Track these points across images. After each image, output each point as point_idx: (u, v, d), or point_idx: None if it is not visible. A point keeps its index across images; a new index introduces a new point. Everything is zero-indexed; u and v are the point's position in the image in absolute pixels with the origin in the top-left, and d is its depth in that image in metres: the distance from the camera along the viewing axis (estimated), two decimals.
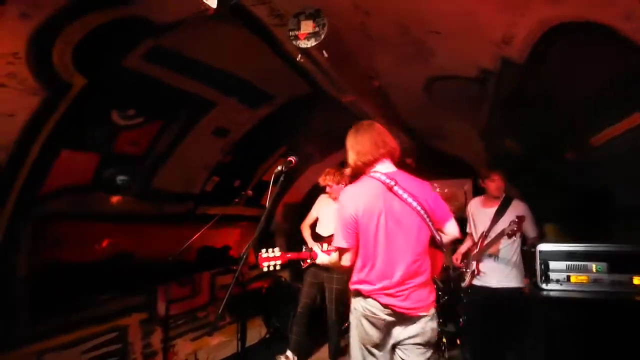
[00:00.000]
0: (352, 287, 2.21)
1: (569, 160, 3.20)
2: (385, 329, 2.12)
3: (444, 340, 4.29)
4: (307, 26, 2.42)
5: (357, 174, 2.26)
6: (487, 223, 3.37)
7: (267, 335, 5.03)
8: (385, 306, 2.08)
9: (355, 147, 2.23)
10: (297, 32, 2.46)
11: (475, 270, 3.36)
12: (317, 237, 4.04)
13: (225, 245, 4.99)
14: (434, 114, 4.80)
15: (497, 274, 3.23)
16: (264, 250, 3.38)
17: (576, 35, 2.01)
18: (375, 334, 2.12)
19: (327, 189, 4.00)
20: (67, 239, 3.17)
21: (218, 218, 3.79)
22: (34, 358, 2.92)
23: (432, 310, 2.17)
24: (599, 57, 2.05)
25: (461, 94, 3.79)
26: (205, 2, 1.97)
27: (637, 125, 2.15)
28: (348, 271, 2.26)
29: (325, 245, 3.70)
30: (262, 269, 3.36)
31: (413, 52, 3.15)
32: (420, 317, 2.10)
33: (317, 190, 6.60)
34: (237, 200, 3.89)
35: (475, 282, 3.40)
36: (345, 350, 3.94)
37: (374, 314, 2.10)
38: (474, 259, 3.42)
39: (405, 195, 2.13)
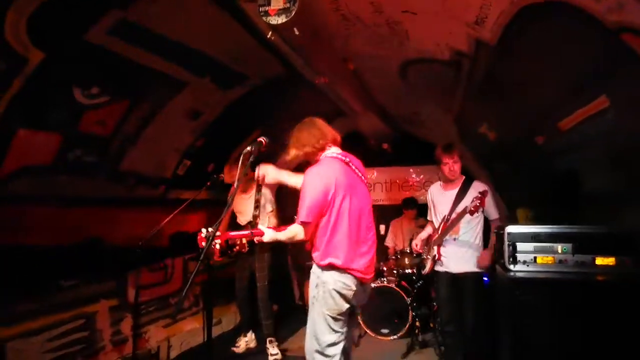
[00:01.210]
0: (324, 261, 2.31)
1: (539, 145, 3.23)
2: (352, 299, 2.32)
3: (417, 323, 4.36)
4: (277, 2, 2.34)
5: (307, 159, 2.54)
6: (449, 206, 3.27)
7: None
8: (357, 279, 2.30)
9: (307, 137, 2.48)
10: (267, 8, 2.39)
11: (437, 255, 3.28)
12: (237, 227, 4.27)
13: (198, 230, 4.91)
14: (410, 100, 4.79)
15: (457, 258, 3.20)
16: (203, 230, 3.36)
17: (546, 16, 2.00)
18: (344, 305, 2.30)
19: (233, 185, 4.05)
20: (29, 222, 3.05)
21: (190, 202, 3.73)
22: None
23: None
24: (568, 38, 2.04)
25: (436, 78, 3.78)
26: None
27: (604, 109, 2.18)
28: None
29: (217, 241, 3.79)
30: (200, 248, 3.37)
31: (388, 34, 3.11)
32: (370, 281, 2.48)
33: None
34: (209, 183, 3.81)
35: (437, 267, 3.34)
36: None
37: (348, 286, 2.28)
38: (434, 243, 3.33)
39: (357, 171, 2.47)
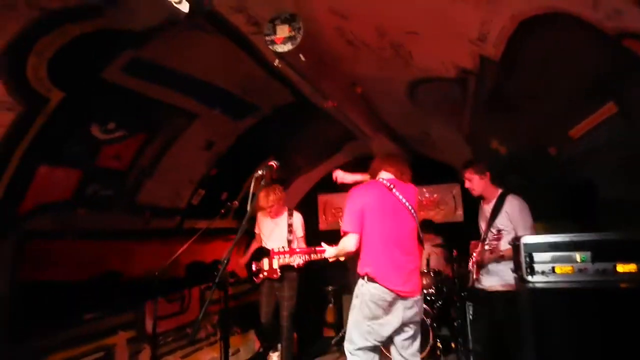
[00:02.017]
0: (361, 271, 2.62)
1: (552, 156, 3.21)
2: (389, 309, 2.54)
3: (439, 344, 4.24)
4: (282, 30, 2.44)
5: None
6: (485, 223, 3.24)
7: (261, 349, 4.94)
8: (393, 292, 2.52)
9: (374, 165, 2.97)
10: (273, 37, 2.48)
11: (474, 274, 3.23)
12: (265, 253, 4.15)
13: (215, 260, 4.92)
14: (419, 120, 4.83)
15: (485, 275, 3.19)
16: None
17: (546, 28, 2.03)
18: (380, 313, 2.54)
19: (268, 208, 4.10)
20: (50, 258, 3.10)
21: (204, 231, 3.78)
22: None
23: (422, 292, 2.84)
24: (569, 48, 2.07)
25: (444, 97, 3.81)
26: (176, 6, 1.97)
27: (612, 115, 2.17)
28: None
29: (282, 257, 3.87)
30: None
31: (392, 55, 3.18)
32: (415, 298, 2.64)
33: (309, 200, 6.67)
34: (223, 211, 3.86)
35: (476, 284, 3.29)
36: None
37: (381, 297, 2.51)
38: (474, 263, 3.28)
39: (400, 197, 2.73)
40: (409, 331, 2.66)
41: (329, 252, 2.89)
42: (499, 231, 3.02)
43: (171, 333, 4.14)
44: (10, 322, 2.83)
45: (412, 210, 2.76)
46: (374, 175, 2.92)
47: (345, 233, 2.65)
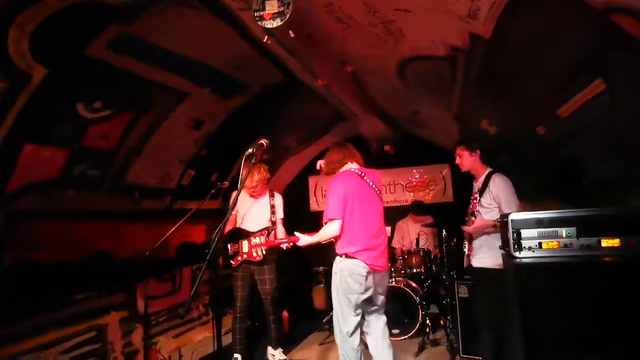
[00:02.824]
0: (341, 251, 2.92)
1: (541, 135, 3.24)
2: (365, 282, 2.85)
3: (428, 322, 4.33)
4: (271, 6, 2.39)
5: (331, 172, 3.21)
6: (474, 200, 3.33)
7: (253, 329, 4.99)
8: (368, 266, 2.85)
9: (335, 157, 3.20)
10: (262, 13, 2.43)
11: (466, 251, 3.34)
12: (242, 234, 3.98)
13: (205, 241, 4.93)
14: (409, 99, 4.82)
15: (478, 251, 3.24)
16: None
17: (536, 4, 2.02)
18: (357, 287, 2.84)
19: (252, 188, 3.97)
20: (38, 237, 3.08)
21: (194, 212, 3.77)
22: None
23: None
24: (558, 25, 2.06)
25: (434, 76, 3.80)
26: None
27: (601, 92, 2.19)
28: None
29: (260, 238, 3.87)
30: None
31: (383, 33, 3.15)
32: (384, 273, 3.06)
33: (299, 182, 6.67)
34: (212, 191, 3.84)
35: (471, 262, 3.34)
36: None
37: (358, 271, 2.83)
38: (466, 239, 3.40)
39: (371, 183, 3.10)
40: (377, 301, 3.04)
41: (303, 240, 3.11)
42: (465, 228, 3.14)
43: (163, 313, 4.15)
44: (0, 302, 2.82)
45: (380, 195, 3.15)
46: (337, 168, 3.15)
47: (331, 220, 2.90)
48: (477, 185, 3.34)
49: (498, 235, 3.08)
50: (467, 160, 3.37)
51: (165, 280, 4.29)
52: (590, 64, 2.15)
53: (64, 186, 3.15)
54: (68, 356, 3.22)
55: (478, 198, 3.26)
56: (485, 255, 3.17)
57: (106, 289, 3.64)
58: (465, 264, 3.48)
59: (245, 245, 3.93)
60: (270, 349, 4.07)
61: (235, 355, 3.91)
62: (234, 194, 2.36)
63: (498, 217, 3.01)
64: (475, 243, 3.29)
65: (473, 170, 3.40)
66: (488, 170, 3.32)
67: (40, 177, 2.96)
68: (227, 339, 4.61)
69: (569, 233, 2.04)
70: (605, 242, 1.98)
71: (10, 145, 2.65)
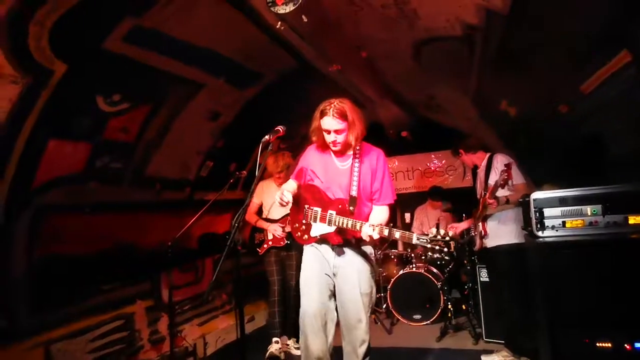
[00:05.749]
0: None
1: (563, 114, 3.15)
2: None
3: (450, 307, 4.31)
4: None
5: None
6: (482, 183, 3.44)
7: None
8: None
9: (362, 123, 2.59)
10: None
11: (482, 232, 3.34)
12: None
13: (227, 231, 4.99)
14: (425, 83, 4.75)
15: (492, 233, 3.29)
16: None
17: None
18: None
19: (277, 174, 3.96)
20: (65, 230, 3.17)
21: (214, 202, 3.80)
22: (41, 348, 2.95)
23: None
24: None
25: (450, 57, 3.73)
26: None
27: (626, 64, 2.10)
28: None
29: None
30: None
31: (397, 15, 3.10)
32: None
33: None
34: (232, 181, 3.86)
35: (486, 242, 3.37)
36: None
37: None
38: (477, 220, 3.42)
39: None
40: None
41: (366, 231, 2.33)
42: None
43: (187, 302, 4.24)
44: (30, 293, 2.92)
45: None
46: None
47: (391, 203, 2.51)
48: (482, 171, 3.50)
49: (513, 215, 3.10)
50: (469, 158, 3.66)
51: (188, 270, 4.37)
52: (614, 35, 2.07)
53: (87, 180, 3.22)
54: (96, 344, 3.32)
55: (484, 180, 3.36)
56: (503, 234, 3.23)
57: (131, 279, 3.73)
58: (477, 246, 3.50)
59: (270, 233, 3.97)
60: (285, 338, 4.06)
61: (275, 339, 3.92)
62: (256, 181, 2.33)
63: (509, 192, 3.09)
64: (491, 224, 3.33)
65: (477, 162, 3.63)
66: (488, 154, 3.53)
67: (64, 172, 3.04)
68: (249, 327, 4.69)
69: (594, 211, 1.99)
70: (633, 219, 1.93)
71: (35, 141, 2.71)
